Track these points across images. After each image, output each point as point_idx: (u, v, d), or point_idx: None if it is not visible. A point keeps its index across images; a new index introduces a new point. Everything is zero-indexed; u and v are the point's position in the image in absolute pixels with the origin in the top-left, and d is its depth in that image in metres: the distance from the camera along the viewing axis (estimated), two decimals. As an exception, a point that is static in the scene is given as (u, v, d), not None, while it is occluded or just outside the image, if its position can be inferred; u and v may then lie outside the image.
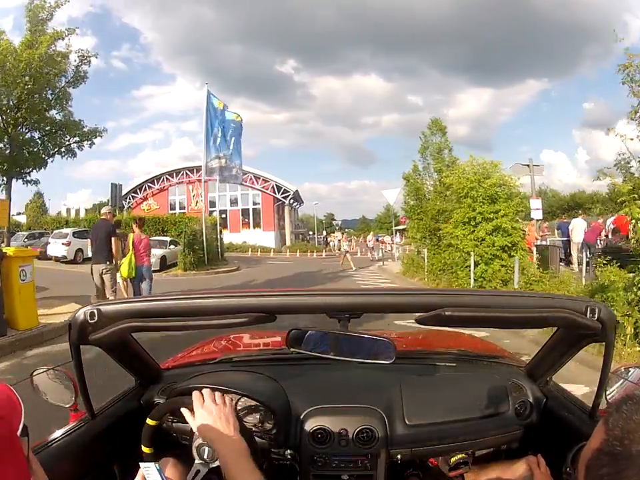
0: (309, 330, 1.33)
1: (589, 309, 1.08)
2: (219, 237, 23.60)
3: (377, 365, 1.34)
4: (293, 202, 47.12)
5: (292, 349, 1.33)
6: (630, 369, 1.39)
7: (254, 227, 41.58)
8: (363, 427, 1.43)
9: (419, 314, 1.12)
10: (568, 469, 1.20)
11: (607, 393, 1.33)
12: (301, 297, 1.17)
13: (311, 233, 63.10)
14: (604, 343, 1.21)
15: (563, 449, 1.31)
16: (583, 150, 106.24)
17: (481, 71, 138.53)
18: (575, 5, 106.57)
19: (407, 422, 1.46)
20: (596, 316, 1.08)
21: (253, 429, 1.43)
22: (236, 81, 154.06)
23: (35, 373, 1.42)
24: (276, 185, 40.98)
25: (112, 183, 15.77)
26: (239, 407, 1.47)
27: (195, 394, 1.23)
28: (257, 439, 1.38)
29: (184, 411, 1.22)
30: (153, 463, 1.10)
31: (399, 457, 1.45)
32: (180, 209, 39.85)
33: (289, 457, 1.44)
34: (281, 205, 42.84)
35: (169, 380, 1.64)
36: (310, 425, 1.44)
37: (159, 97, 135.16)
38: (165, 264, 18.89)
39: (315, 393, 1.53)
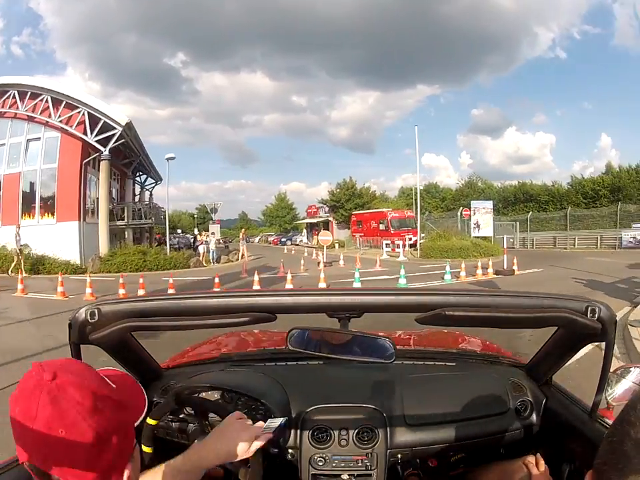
0: (309, 329, 1.32)
1: (589, 308, 1.08)
2: None
3: (377, 365, 1.42)
4: (128, 161, 25.48)
5: (292, 348, 1.32)
6: (630, 368, 1.39)
7: (43, 214, 20.38)
8: (363, 426, 1.45)
9: (418, 314, 1.12)
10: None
11: (607, 392, 1.34)
12: (301, 296, 1.15)
13: (179, 231, 45.76)
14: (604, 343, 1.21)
15: (563, 448, 1.36)
16: (466, 154, 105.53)
17: (373, 74, 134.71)
18: (484, 16, 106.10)
19: (407, 422, 1.47)
20: (596, 316, 1.07)
21: None
22: (124, 73, 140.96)
23: None
24: (89, 112, 19.62)
25: None
26: (239, 407, 1.47)
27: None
28: None
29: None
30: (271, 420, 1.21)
31: (399, 456, 1.47)
32: None
33: (289, 456, 1.45)
34: (94, 160, 20.83)
35: (169, 379, 1.64)
36: (310, 425, 1.46)
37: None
38: None
39: (315, 393, 1.54)
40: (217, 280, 12.43)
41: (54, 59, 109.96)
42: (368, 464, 1.43)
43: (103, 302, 1.14)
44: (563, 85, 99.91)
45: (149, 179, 31.18)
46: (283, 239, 48.21)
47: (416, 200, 27.67)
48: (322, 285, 12.01)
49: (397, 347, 1.28)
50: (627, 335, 5.95)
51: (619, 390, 1.34)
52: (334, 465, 1.43)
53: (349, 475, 1.44)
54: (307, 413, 1.48)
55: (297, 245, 42.72)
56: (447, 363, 1.74)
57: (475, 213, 24.73)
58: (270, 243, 51.00)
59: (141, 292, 11.14)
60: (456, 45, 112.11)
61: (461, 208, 27.56)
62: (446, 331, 2.46)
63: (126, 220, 23.49)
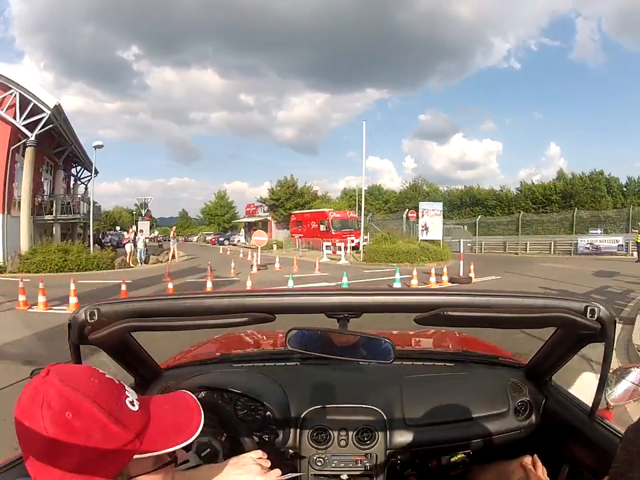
0: (308, 330, 1.31)
1: (588, 309, 1.07)
2: None
3: (377, 365, 1.43)
4: (60, 150, 23.95)
5: (291, 349, 1.30)
6: (630, 369, 1.38)
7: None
8: (363, 426, 1.46)
9: (418, 314, 1.11)
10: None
11: (607, 393, 1.33)
12: (300, 296, 1.14)
13: (118, 228, 44.25)
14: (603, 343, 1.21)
15: (562, 449, 1.36)
16: (411, 158, 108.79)
17: (323, 76, 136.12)
18: (440, 23, 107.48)
19: (407, 422, 1.48)
20: (595, 316, 1.07)
21: (253, 429, 1.44)
22: (78, 64, 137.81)
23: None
24: (21, 94, 18.59)
25: None
26: (238, 407, 1.49)
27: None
28: (256, 438, 1.41)
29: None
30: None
31: (398, 457, 1.47)
32: None
33: (289, 457, 1.46)
34: (23, 147, 19.59)
35: (169, 380, 1.64)
36: (310, 425, 1.46)
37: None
38: None
39: (315, 393, 1.55)
40: (123, 287, 10.75)
41: (13, 47, 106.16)
42: (367, 464, 1.44)
43: (102, 302, 1.14)
44: (515, 94, 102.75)
45: (85, 171, 28.73)
46: (220, 239, 46.37)
47: (359, 200, 26.10)
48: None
49: (397, 347, 1.28)
50: (637, 358, 5.35)
51: (618, 390, 1.34)
52: (333, 465, 1.45)
53: (348, 475, 1.45)
54: (306, 413, 1.49)
55: (235, 244, 41.26)
56: (447, 364, 1.75)
57: (423, 215, 23.02)
58: (208, 243, 49.26)
59: (41, 299, 9.42)
60: (410, 51, 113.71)
61: (407, 210, 26.11)
62: (445, 331, 2.46)
63: (54, 214, 21.41)
